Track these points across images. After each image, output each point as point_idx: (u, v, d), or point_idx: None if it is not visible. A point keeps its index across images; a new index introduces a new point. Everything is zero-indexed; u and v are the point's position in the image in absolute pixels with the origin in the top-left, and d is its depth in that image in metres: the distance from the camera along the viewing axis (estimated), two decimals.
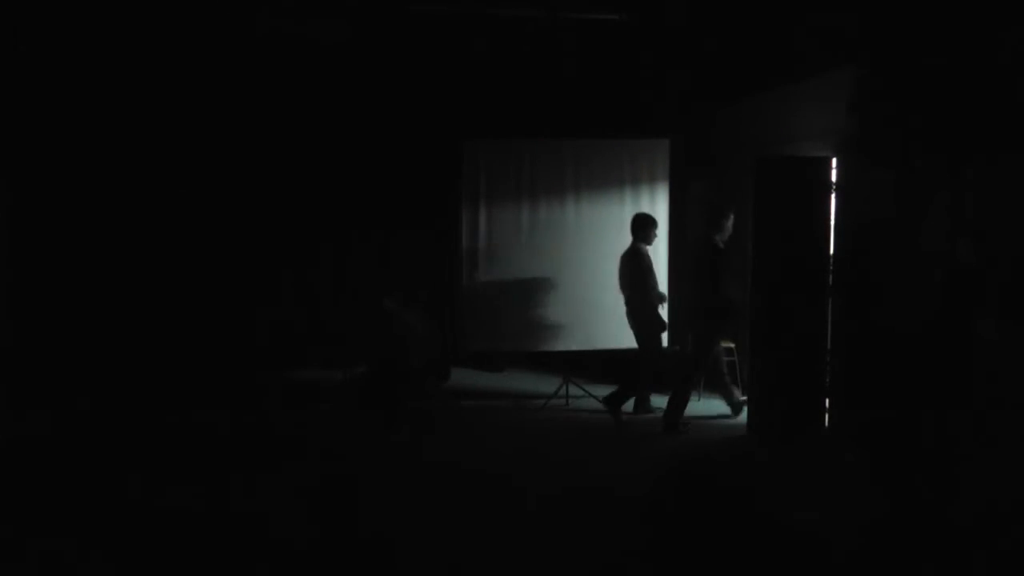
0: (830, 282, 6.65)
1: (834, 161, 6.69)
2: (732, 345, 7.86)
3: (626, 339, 7.68)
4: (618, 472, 5.87)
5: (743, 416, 6.99)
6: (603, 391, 8.05)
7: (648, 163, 7.85)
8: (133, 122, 8.76)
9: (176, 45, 8.06)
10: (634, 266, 7.23)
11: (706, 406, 7.71)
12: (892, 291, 5.95)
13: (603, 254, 7.79)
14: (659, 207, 7.85)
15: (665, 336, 7.79)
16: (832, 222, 6.66)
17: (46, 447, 6.42)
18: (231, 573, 4.24)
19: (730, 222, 7.00)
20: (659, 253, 7.83)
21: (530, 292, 7.80)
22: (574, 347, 7.90)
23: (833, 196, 6.67)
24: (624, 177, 7.85)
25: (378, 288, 6.68)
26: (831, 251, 6.66)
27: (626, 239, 7.66)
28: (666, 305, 7.78)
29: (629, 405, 7.36)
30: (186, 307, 8.93)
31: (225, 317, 8.98)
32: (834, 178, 6.68)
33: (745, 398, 7.06)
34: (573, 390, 7.90)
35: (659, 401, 7.26)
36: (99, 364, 8.42)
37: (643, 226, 7.26)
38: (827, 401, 6.68)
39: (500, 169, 7.83)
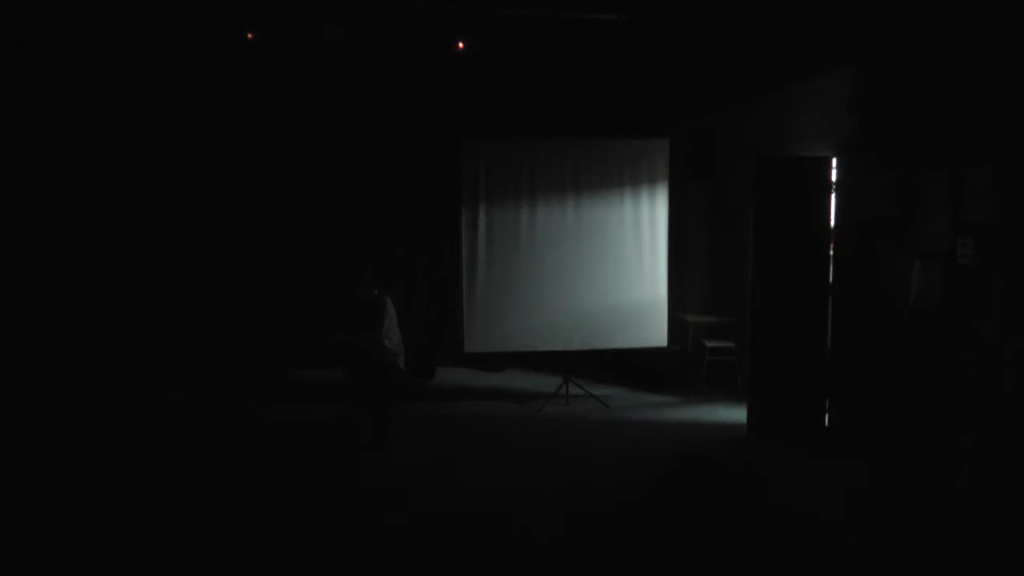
0: (830, 282, 6.66)
1: (834, 161, 6.69)
2: (732, 345, 7.87)
3: (625, 339, 7.73)
4: (617, 472, 5.86)
5: (743, 416, 6.98)
6: (603, 391, 8.07)
7: (648, 163, 7.85)
8: (137, 122, 8.77)
9: (179, 46, 8.05)
10: None
11: (705, 406, 7.72)
12: (892, 291, 5.95)
13: (603, 254, 7.80)
14: (659, 207, 7.85)
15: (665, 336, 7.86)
16: (832, 222, 6.66)
17: (42, 442, 6.44)
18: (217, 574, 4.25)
19: None
20: (659, 253, 7.84)
21: (530, 292, 7.80)
22: (574, 347, 7.90)
23: (833, 196, 6.67)
24: (624, 177, 7.84)
25: (363, 279, 6.66)
26: (831, 251, 6.66)
27: (626, 239, 7.69)
28: (667, 303, 7.83)
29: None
30: (186, 307, 8.94)
31: (225, 316, 8.99)
32: (834, 178, 6.69)
33: None
34: (573, 390, 7.91)
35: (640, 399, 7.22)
36: (97, 359, 8.47)
37: None
38: (827, 401, 6.69)
39: (500, 169, 7.82)
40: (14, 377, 8.10)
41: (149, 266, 8.89)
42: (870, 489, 5.32)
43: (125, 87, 8.54)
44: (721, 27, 7.44)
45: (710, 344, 7.90)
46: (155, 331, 8.81)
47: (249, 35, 7.73)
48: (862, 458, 5.85)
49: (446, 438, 6.76)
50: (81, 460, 6.00)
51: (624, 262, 7.82)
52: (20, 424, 7.00)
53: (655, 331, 7.87)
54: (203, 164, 8.97)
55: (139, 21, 7.57)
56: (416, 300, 9.16)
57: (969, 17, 5.18)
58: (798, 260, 6.59)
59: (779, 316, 6.60)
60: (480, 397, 8.14)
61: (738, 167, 7.85)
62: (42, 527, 4.79)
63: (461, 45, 7.94)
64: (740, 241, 7.76)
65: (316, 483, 5.55)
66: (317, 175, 9.18)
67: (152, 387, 8.12)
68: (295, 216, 9.17)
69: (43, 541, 4.60)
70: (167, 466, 5.87)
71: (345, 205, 9.23)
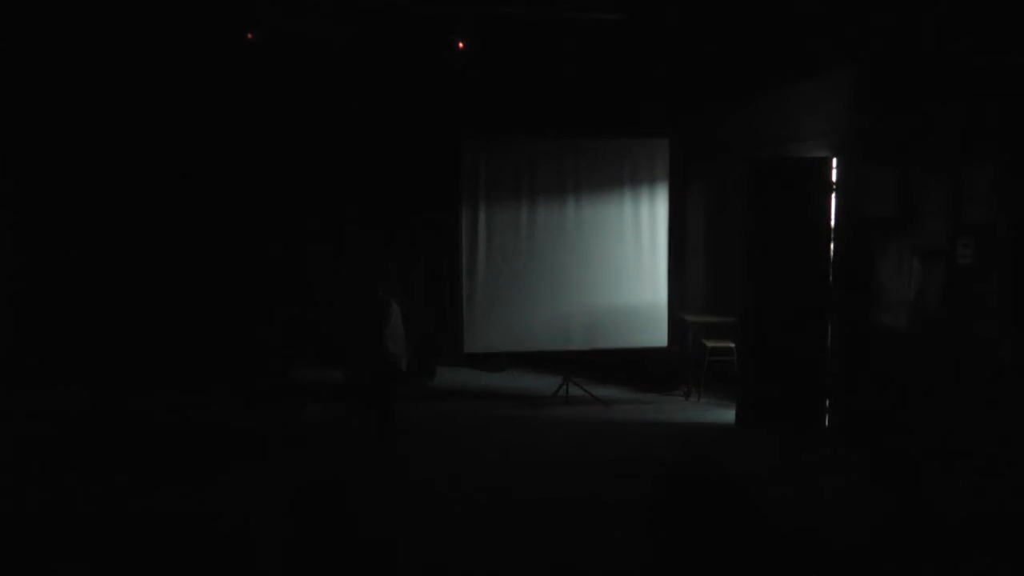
0: (830, 282, 6.66)
1: (834, 161, 6.69)
2: (732, 345, 7.87)
3: (625, 339, 7.74)
4: (617, 471, 5.86)
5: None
6: (603, 391, 8.08)
7: (648, 163, 7.85)
8: (137, 123, 8.78)
9: (179, 46, 8.06)
10: None
11: (705, 406, 7.72)
12: (892, 291, 5.95)
13: (603, 254, 7.81)
14: (659, 207, 7.85)
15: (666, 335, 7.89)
16: (832, 222, 6.66)
17: (43, 444, 6.44)
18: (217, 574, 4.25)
19: None
20: (659, 253, 7.85)
21: (530, 292, 7.80)
22: (574, 347, 7.90)
23: (833, 196, 6.67)
24: (624, 177, 7.84)
25: (366, 280, 6.68)
26: (831, 251, 6.66)
27: (626, 239, 7.68)
28: (667, 303, 7.84)
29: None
30: (187, 307, 8.94)
31: (226, 316, 8.99)
32: (834, 178, 6.69)
33: None
34: (573, 390, 7.91)
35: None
36: (99, 360, 8.48)
37: None
38: (827, 401, 6.69)
39: (500, 169, 7.82)
40: (14, 377, 8.10)
41: (149, 266, 8.90)
42: (870, 488, 5.32)
43: (126, 87, 8.55)
44: (721, 27, 7.45)
45: (710, 344, 7.90)
46: (156, 331, 8.82)
47: (249, 35, 7.74)
48: (862, 457, 5.86)
49: (446, 438, 6.76)
50: (81, 460, 5.99)
51: (624, 262, 7.83)
52: (20, 424, 7.00)
53: (655, 331, 7.88)
54: (203, 164, 8.98)
55: (140, 21, 7.58)
56: (416, 300, 9.16)
57: (969, 17, 5.19)
58: (798, 260, 6.60)
59: (779, 315, 6.60)
60: (480, 397, 8.14)
61: (738, 167, 7.84)
62: (41, 528, 4.79)
63: (461, 45, 7.94)
64: (740, 241, 7.76)
65: (316, 483, 5.55)
66: (317, 175, 9.19)
67: (152, 387, 8.12)
68: (296, 215, 9.18)
69: (42, 541, 4.60)
70: (167, 466, 5.87)
71: (346, 205, 9.24)
